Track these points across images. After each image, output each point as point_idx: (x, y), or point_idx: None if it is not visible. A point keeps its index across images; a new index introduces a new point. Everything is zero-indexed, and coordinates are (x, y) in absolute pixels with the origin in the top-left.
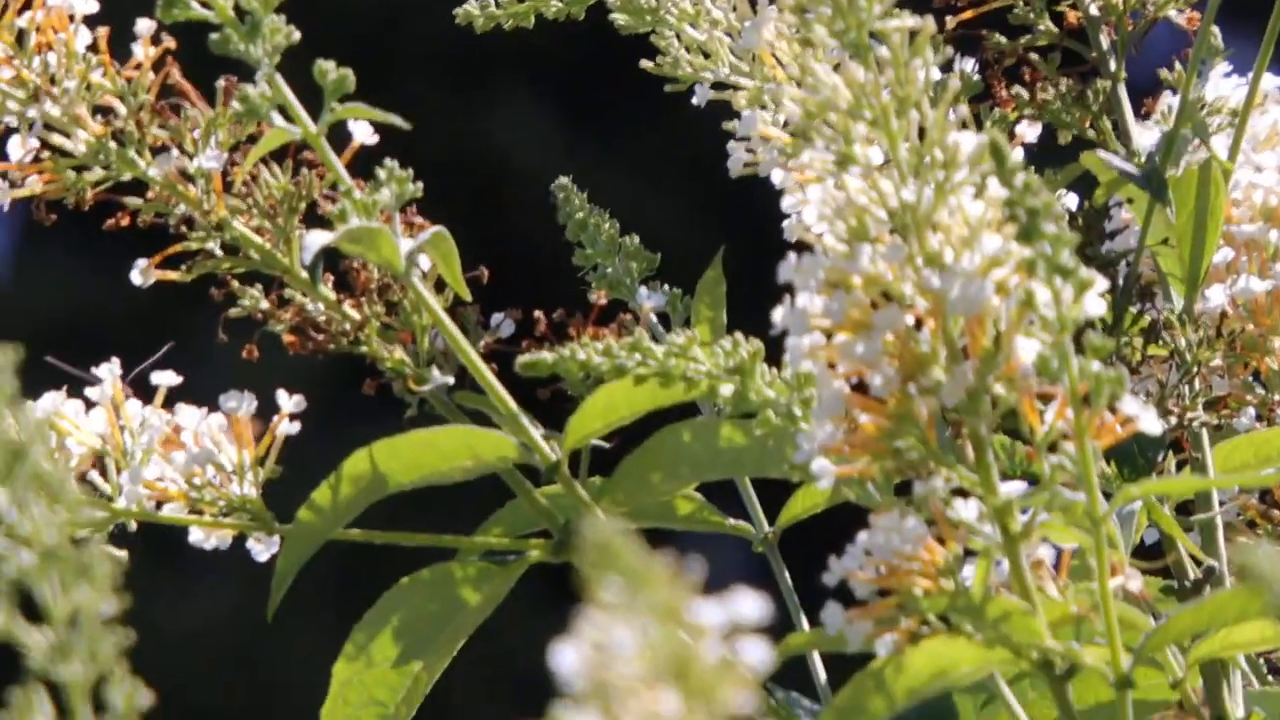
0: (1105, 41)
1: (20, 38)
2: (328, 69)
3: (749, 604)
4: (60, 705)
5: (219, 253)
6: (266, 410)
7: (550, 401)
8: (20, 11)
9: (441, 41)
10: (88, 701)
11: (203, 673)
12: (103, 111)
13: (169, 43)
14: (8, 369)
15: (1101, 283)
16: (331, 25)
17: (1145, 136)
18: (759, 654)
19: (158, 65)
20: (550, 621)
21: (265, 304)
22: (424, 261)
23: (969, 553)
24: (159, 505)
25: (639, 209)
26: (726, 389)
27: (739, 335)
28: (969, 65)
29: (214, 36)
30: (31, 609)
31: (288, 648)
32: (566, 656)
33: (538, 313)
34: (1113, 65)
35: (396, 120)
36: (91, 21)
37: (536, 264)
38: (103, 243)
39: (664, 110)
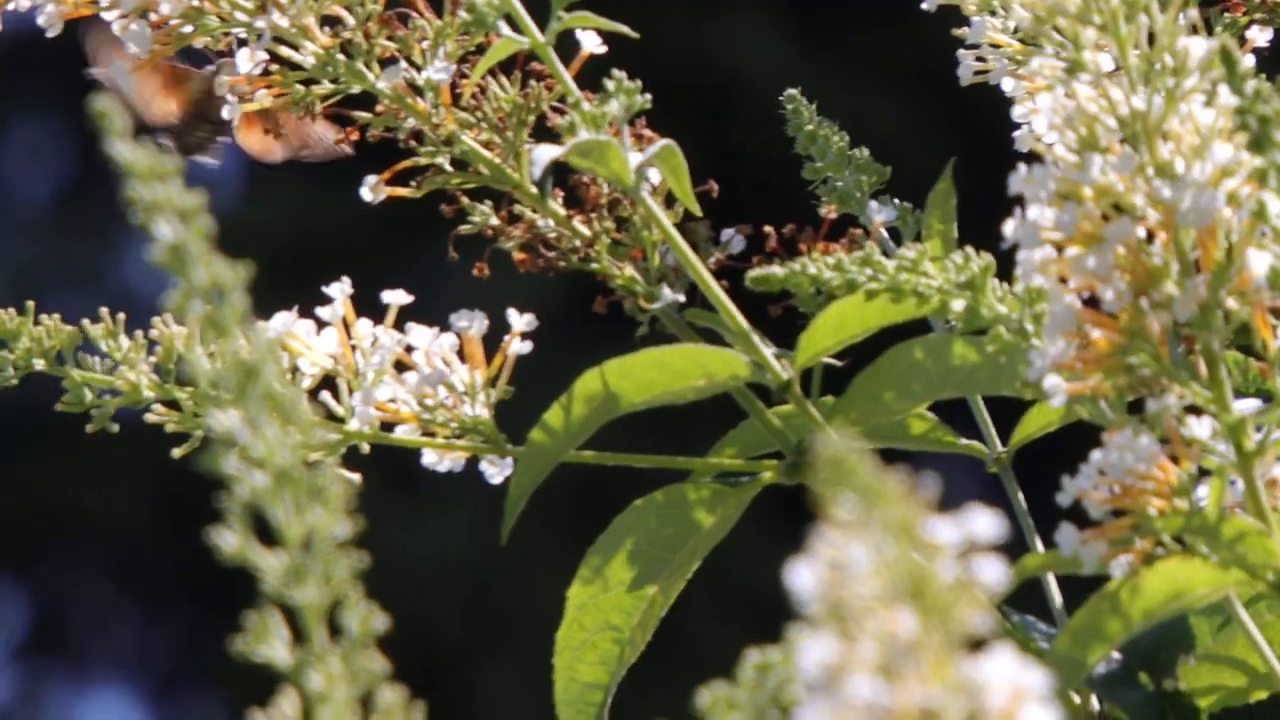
0: None
1: None
2: None
3: (984, 522)
4: (295, 629)
5: (448, 168)
6: (498, 330)
7: (781, 319)
8: None
9: None
10: (323, 625)
11: (437, 597)
12: (330, 22)
13: None
14: (238, 287)
15: None
16: None
17: None
18: (995, 572)
19: None
20: (782, 544)
21: (495, 220)
22: (654, 175)
23: (1204, 472)
24: (391, 427)
25: (868, 119)
26: (958, 304)
27: (970, 249)
28: None
29: None
30: (265, 532)
31: (523, 572)
32: (801, 576)
33: (768, 228)
34: None
35: (624, 29)
36: None
37: (766, 177)
38: (328, 170)
39: (894, 18)
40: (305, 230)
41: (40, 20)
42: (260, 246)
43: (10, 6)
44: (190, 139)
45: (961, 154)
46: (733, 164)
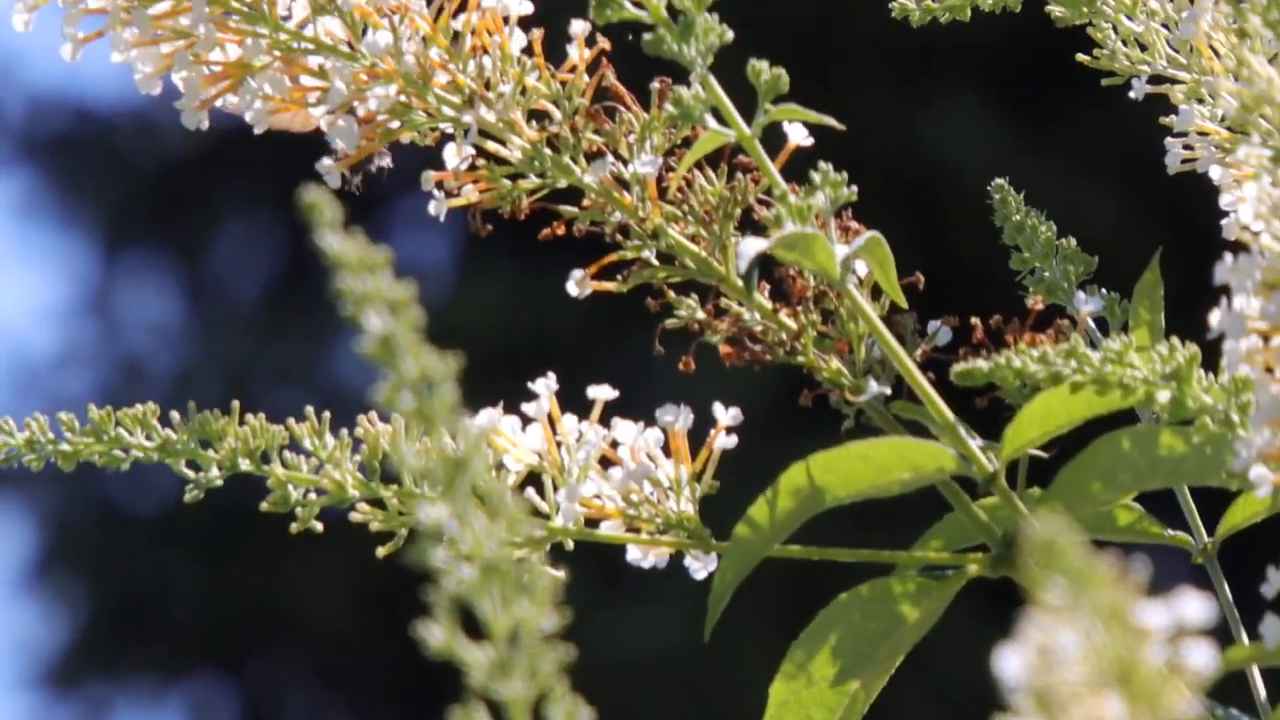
0: None
1: (455, 40)
2: (761, 69)
3: (1194, 606)
4: None
5: (654, 261)
6: (703, 423)
7: (987, 410)
8: (455, 14)
9: (876, 37)
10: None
11: (643, 692)
12: (537, 116)
13: (603, 44)
14: (448, 379)
15: None
16: (763, 22)
17: None
18: (1205, 657)
19: (592, 67)
20: (986, 637)
21: (701, 314)
22: (860, 268)
23: None
24: (596, 523)
25: (1076, 206)
26: (1163, 395)
27: (1175, 340)
28: None
29: (647, 37)
30: (472, 627)
31: (729, 667)
32: (1010, 662)
33: (974, 319)
34: None
35: (830, 121)
36: (525, 23)
37: (972, 265)
38: (539, 252)
39: (1102, 105)
40: (512, 321)
41: (248, 117)
42: (468, 337)
43: (218, 104)
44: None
45: (1168, 242)
46: (939, 252)
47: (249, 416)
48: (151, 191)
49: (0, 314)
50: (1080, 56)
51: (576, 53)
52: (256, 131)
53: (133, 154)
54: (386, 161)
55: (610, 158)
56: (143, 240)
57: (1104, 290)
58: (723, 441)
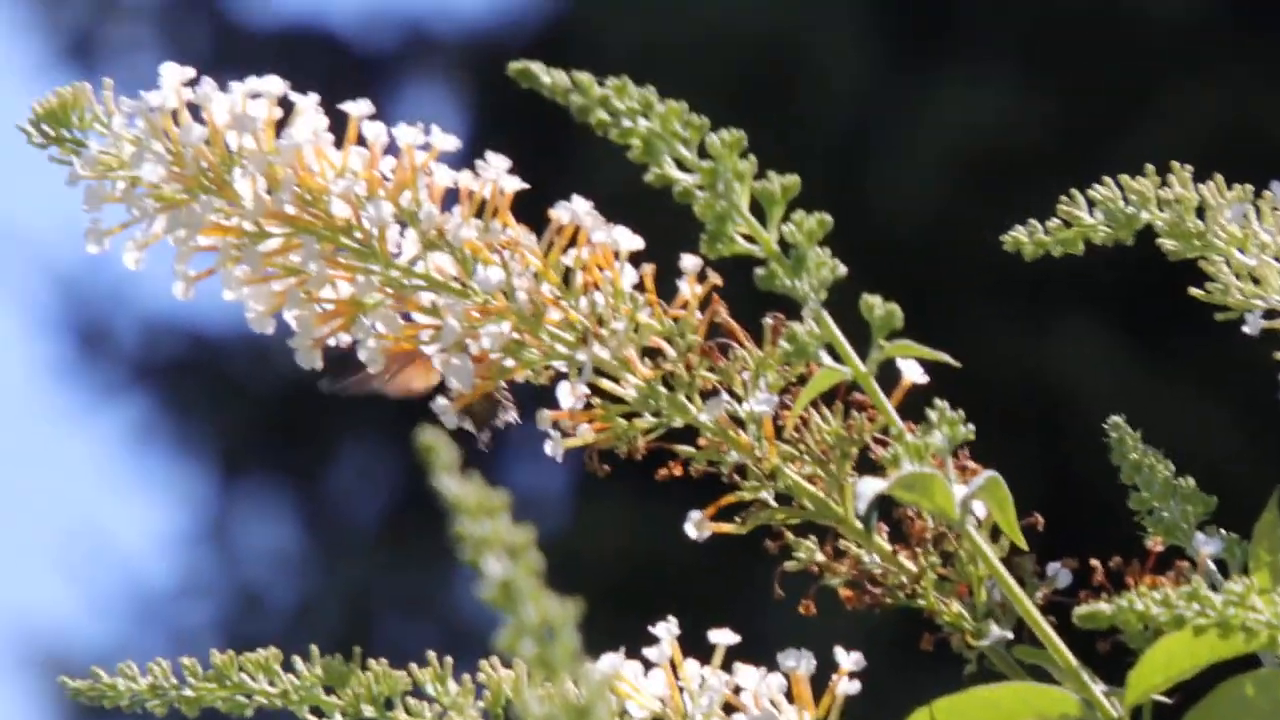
0: None
1: (567, 276)
2: (874, 304)
3: None
4: None
5: (772, 502)
6: (825, 667)
7: (1110, 654)
8: (566, 249)
9: (990, 265)
10: None
11: None
12: (651, 353)
13: (715, 279)
14: (569, 625)
15: None
16: (874, 253)
17: None
18: None
19: (704, 303)
20: None
21: (821, 556)
22: (979, 508)
23: None
24: None
25: (1195, 433)
26: None
27: None
28: None
29: (759, 272)
30: None
31: None
32: None
33: (1094, 561)
34: None
35: (946, 358)
36: (636, 258)
37: (1092, 502)
38: (656, 491)
39: (1220, 332)
40: (630, 552)
41: (362, 355)
42: (585, 567)
43: (332, 342)
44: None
45: None
46: (1057, 483)
47: (371, 662)
48: (267, 417)
49: (118, 543)
50: (1194, 291)
51: (688, 288)
52: (371, 371)
53: (248, 379)
54: (512, 416)
55: (725, 395)
56: (260, 467)
57: (1223, 529)
58: (845, 687)
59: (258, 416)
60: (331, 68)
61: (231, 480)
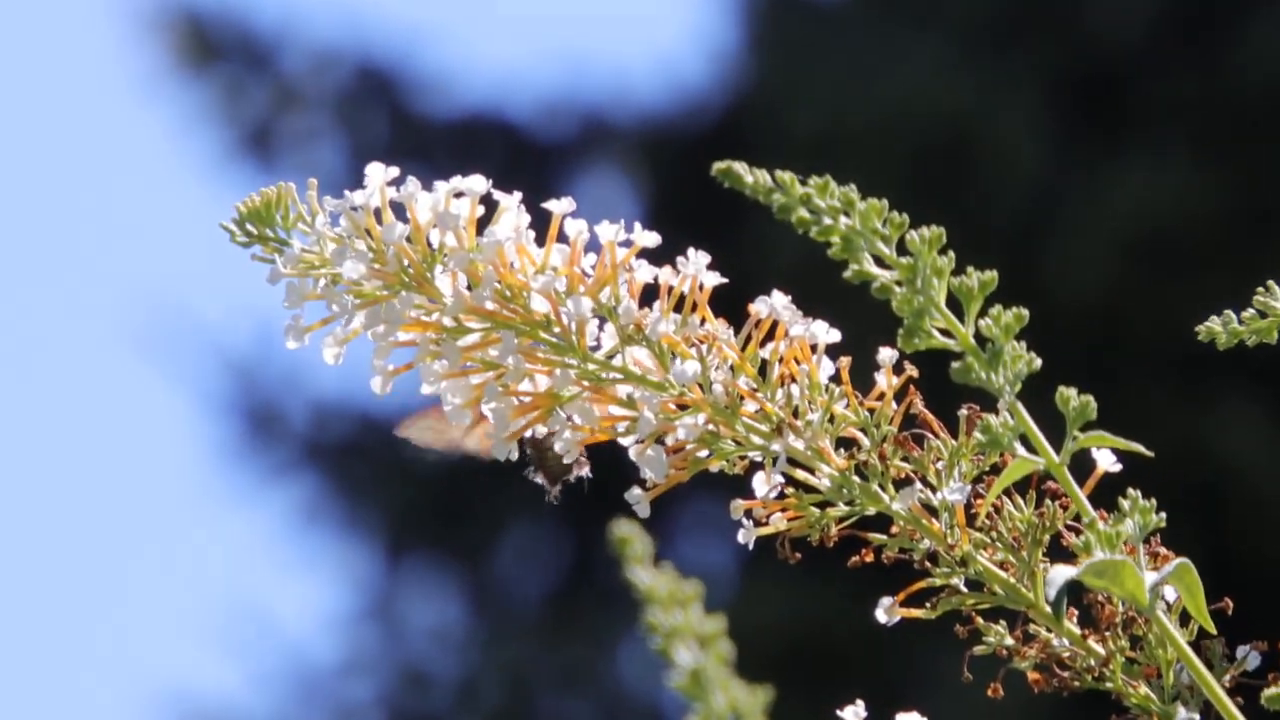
0: None
1: (763, 369)
2: (1070, 396)
3: None
4: None
5: (963, 588)
6: None
7: None
8: (763, 343)
9: (1162, 346)
10: None
11: None
12: (845, 444)
13: (911, 371)
14: (759, 713)
15: None
16: (1047, 331)
17: None
18: None
19: (900, 395)
20: None
21: (1010, 640)
22: (1169, 593)
23: None
24: None
25: None
26: None
27: None
28: None
29: (955, 365)
30: None
31: None
32: None
33: None
34: None
35: (1139, 448)
36: (833, 351)
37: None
38: (825, 556)
39: None
40: (798, 627)
41: (558, 446)
42: (753, 642)
43: (527, 434)
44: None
45: None
46: (1243, 565)
47: None
48: (433, 497)
49: (282, 620)
50: None
51: (885, 380)
52: (566, 461)
53: (415, 460)
54: (586, 471)
55: (918, 484)
56: (425, 546)
57: None
58: None
59: (424, 497)
60: (509, 155)
61: (397, 559)
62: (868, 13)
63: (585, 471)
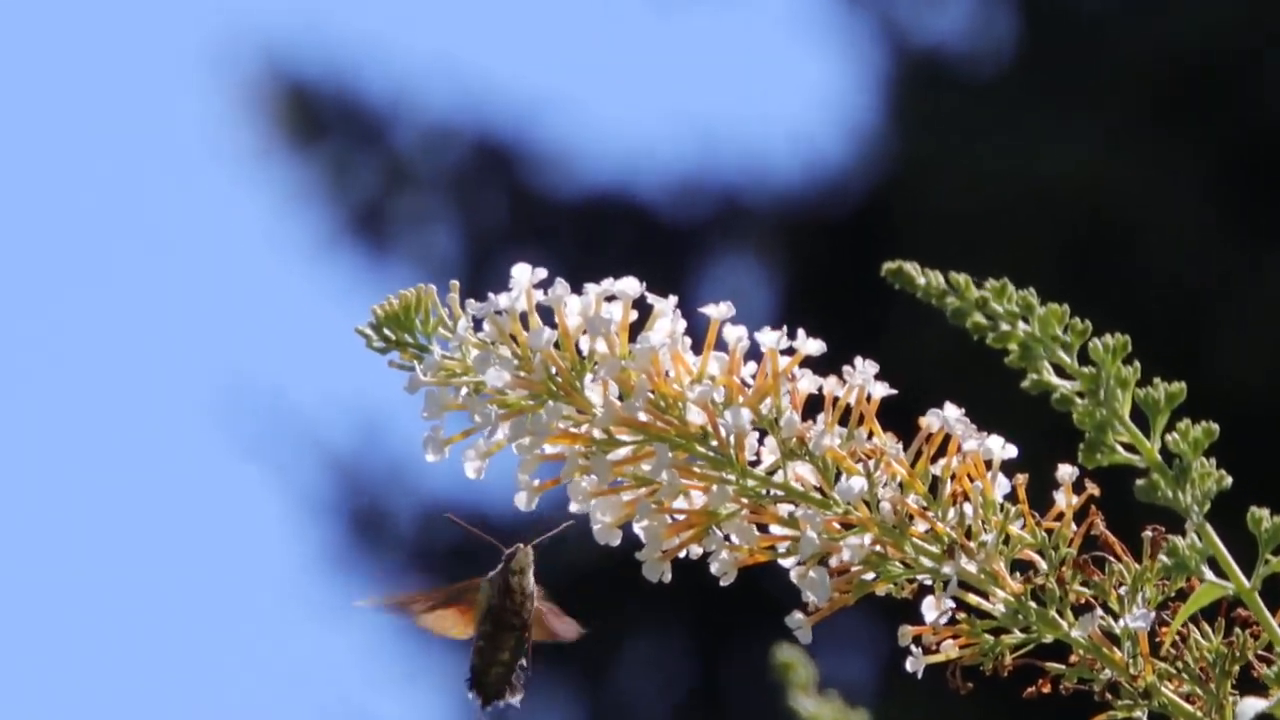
0: None
1: (934, 486)
2: (1262, 516)
3: None
4: None
5: None
6: None
7: None
8: (934, 458)
9: None
10: None
11: None
12: (1020, 567)
13: (1092, 489)
14: None
15: None
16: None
17: None
18: None
19: (1080, 514)
20: None
21: None
22: None
23: None
24: None
25: None
26: None
27: None
28: None
29: (1140, 483)
30: None
31: None
32: None
33: None
34: None
35: None
36: (1008, 468)
37: None
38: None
39: None
40: None
41: (714, 568)
42: None
43: (680, 555)
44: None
45: None
46: None
47: None
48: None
49: None
50: None
51: (1064, 499)
52: (724, 584)
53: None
54: (517, 700)
55: (1099, 610)
56: (539, 659)
57: None
58: None
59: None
60: (637, 238)
61: None
62: (1020, 87)
63: (516, 700)
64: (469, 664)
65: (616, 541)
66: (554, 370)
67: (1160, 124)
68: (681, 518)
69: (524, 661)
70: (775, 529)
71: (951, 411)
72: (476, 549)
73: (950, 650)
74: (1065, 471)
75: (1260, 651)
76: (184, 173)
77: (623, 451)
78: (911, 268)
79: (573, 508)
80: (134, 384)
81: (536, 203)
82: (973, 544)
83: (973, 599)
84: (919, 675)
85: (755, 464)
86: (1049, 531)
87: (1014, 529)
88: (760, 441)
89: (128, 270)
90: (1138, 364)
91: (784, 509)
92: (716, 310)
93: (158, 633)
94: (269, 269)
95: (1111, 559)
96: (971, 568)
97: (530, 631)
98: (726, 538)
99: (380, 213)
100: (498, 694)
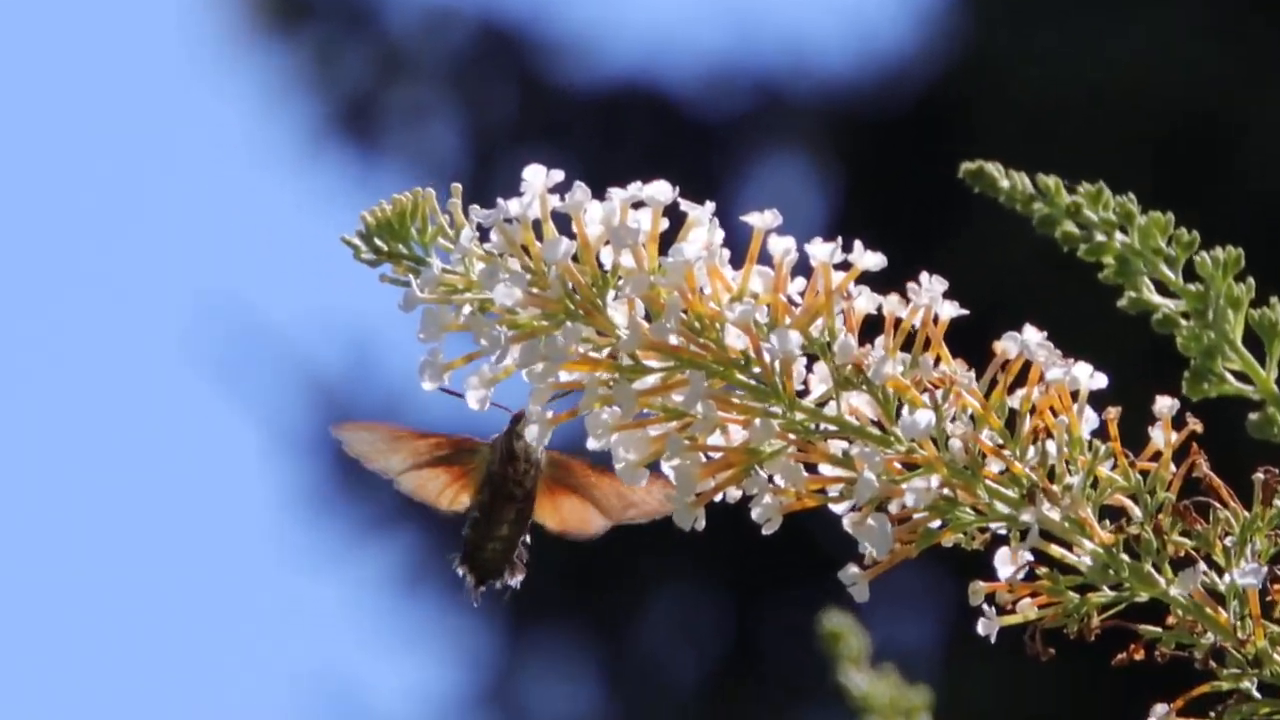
0: None
1: (1011, 421)
2: None
3: None
4: None
5: (1256, 694)
6: None
7: None
8: (1011, 389)
9: None
10: None
11: None
12: (1111, 514)
13: (1195, 425)
14: None
15: None
16: None
17: None
18: None
19: (1180, 454)
20: None
21: None
22: None
23: None
24: None
25: None
26: None
27: None
28: None
29: (1252, 417)
30: None
31: None
32: None
33: None
34: None
35: None
36: (1097, 400)
37: None
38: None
39: None
40: (1007, 712)
41: (755, 514)
42: None
43: (717, 498)
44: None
45: None
46: None
47: None
48: (566, 559)
49: (379, 706)
50: None
51: (1162, 436)
52: (766, 532)
53: None
54: (516, 581)
55: (1202, 565)
56: (555, 616)
57: None
58: None
59: (554, 558)
60: (663, 135)
61: (520, 632)
62: None
63: (516, 581)
64: (462, 537)
65: (643, 482)
66: (572, 286)
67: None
68: (718, 456)
69: (526, 539)
70: (826, 469)
71: (1032, 335)
72: None
73: (1029, 610)
74: (1164, 404)
75: None
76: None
77: (651, 380)
78: (994, 168)
79: (591, 444)
80: (93, 300)
81: (549, 95)
82: (1056, 487)
83: (1055, 551)
84: (992, 639)
85: (804, 394)
86: (1144, 473)
87: (1103, 470)
88: (809, 369)
89: (85, 171)
90: (1251, 281)
91: (837, 446)
92: (760, 218)
93: (118, 583)
94: (244, 172)
95: (1217, 505)
96: (1054, 515)
97: (532, 504)
98: (770, 479)
99: (371, 107)
100: (494, 573)
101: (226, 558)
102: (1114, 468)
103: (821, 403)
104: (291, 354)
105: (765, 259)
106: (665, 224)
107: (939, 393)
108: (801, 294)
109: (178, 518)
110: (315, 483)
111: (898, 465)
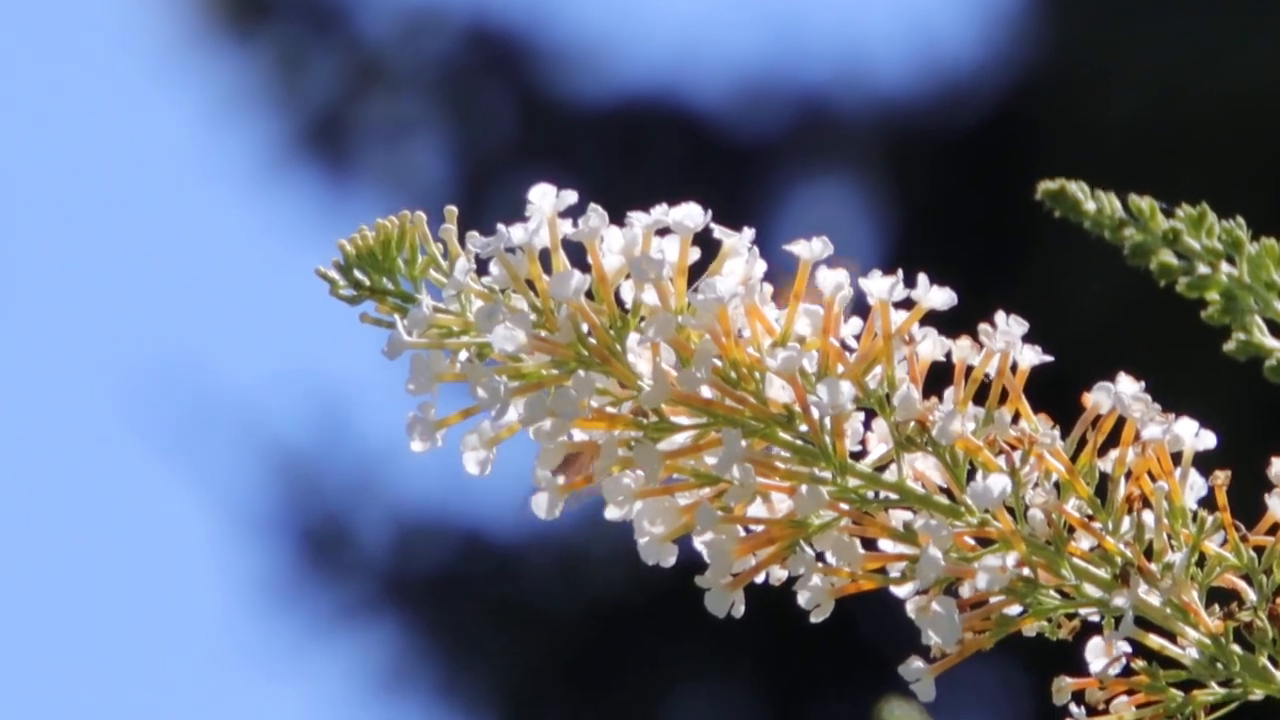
0: None
1: (1102, 488)
2: None
3: None
4: None
5: None
6: None
7: None
8: (1102, 450)
9: None
10: None
11: None
12: (1220, 597)
13: None
14: None
15: None
16: None
17: None
18: None
19: None
20: None
21: None
22: None
23: None
24: None
25: None
26: None
27: None
28: None
29: None
30: None
31: None
32: None
33: None
34: None
35: None
36: (1202, 463)
37: None
38: None
39: None
40: None
41: (802, 599)
42: None
43: (758, 579)
44: None
45: None
46: None
47: None
48: (572, 648)
49: None
50: None
51: (1278, 505)
52: (814, 620)
53: (547, 596)
54: None
55: None
56: (560, 714)
57: None
58: None
59: (558, 647)
60: (688, 159)
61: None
62: None
63: None
64: None
65: (670, 561)
66: (586, 329)
67: None
68: (759, 529)
69: None
70: (886, 545)
71: (1127, 386)
72: (472, 574)
73: (1124, 711)
74: (1279, 468)
75: None
76: (78, 70)
77: (679, 439)
78: (1078, 188)
79: (610, 513)
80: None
81: (552, 110)
82: (1155, 566)
83: (1154, 641)
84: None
85: (859, 457)
86: (1259, 549)
87: (1211, 546)
88: (866, 426)
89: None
90: None
91: (898, 518)
92: (808, 248)
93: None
94: (193, 200)
95: None
96: (1153, 599)
97: None
98: (819, 556)
99: (342, 122)
100: None
101: (174, 657)
102: (1224, 543)
103: (880, 466)
104: (248, 416)
105: (815, 297)
106: (696, 254)
107: (1017, 454)
108: (856, 338)
109: (119, 613)
110: (278, 567)
111: (969, 540)
